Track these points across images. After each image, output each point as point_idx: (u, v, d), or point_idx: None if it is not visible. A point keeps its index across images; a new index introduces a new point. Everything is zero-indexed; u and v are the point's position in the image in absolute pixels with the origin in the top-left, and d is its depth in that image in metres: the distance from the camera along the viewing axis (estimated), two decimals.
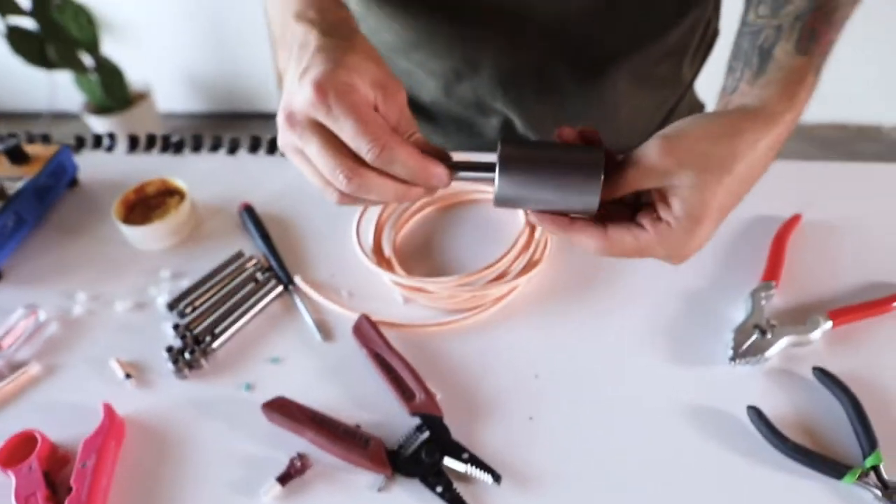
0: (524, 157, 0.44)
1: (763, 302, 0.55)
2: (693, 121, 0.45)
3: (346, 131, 0.41)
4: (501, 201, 0.45)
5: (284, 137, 0.43)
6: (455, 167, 0.45)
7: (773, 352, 0.52)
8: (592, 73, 0.73)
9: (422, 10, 0.70)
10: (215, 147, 0.80)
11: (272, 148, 0.79)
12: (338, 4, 0.48)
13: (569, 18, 0.67)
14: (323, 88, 0.40)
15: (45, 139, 0.83)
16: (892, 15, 2.05)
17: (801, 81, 0.47)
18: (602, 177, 0.43)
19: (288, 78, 0.44)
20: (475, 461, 0.48)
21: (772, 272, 0.58)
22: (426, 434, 0.49)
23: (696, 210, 0.42)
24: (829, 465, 0.45)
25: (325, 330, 0.59)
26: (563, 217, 0.46)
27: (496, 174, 0.44)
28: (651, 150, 0.43)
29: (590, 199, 0.44)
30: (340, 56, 0.42)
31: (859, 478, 0.44)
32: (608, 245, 0.45)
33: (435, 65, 0.74)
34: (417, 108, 0.82)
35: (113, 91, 2.22)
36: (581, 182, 0.44)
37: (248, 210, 0.70)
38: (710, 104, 0.90)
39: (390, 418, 0.51)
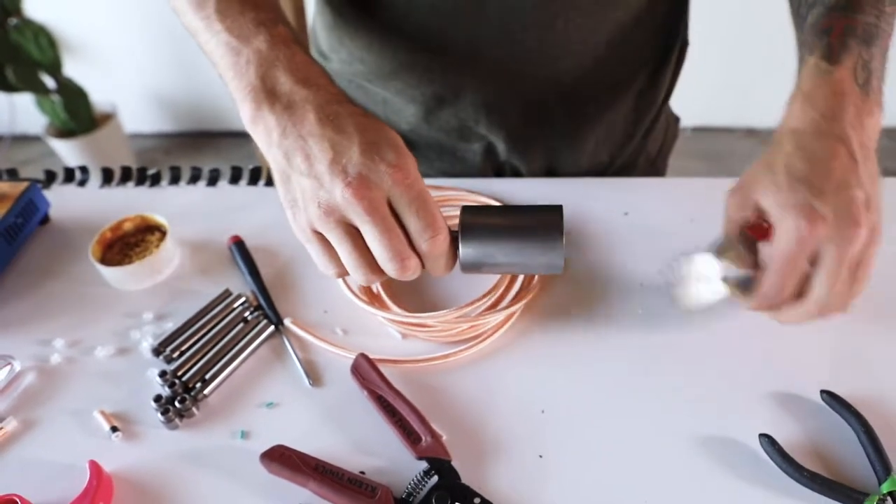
0: (485, 224, 0.46)
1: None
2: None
3: (416, 222, 0.43)
4: (468, 267, 0.46)
5: (337, 212, 0.42)
6: None
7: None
8: (574, 89, 0.73)
9: (399, 43, 0.69)
10: (194, 178, 0.77)
11: (254, 178, 0.77)
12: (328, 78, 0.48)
13: (549, 39, 0.67)
14: (408, 175, 0.42)
15: (12, 174, 0.80)
16: None
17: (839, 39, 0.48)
18: (563, 234, 0.44)
19: (324, 139, 0.43)
20: None
21: None
22: (435, 479, 0.47)
23: (796, 170, 0.44)
24: (847, 494, 0.45)
25: (317, 373, 0.56)
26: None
27: (459, 241, 0.45)
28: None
29: (554, 259, 0.45)
30: (387, 134, 0.44)
31: None
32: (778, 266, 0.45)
33: (415, 92, 0.73)
34: None
35: (77, 113, 2.15)
36: (543, 242, 0.44)
37: (238, 244, 0.67)
38: (685, 117, 0.91)
39: (396, 463, 0.50)
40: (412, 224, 0.43)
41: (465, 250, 0.45)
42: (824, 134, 0.46)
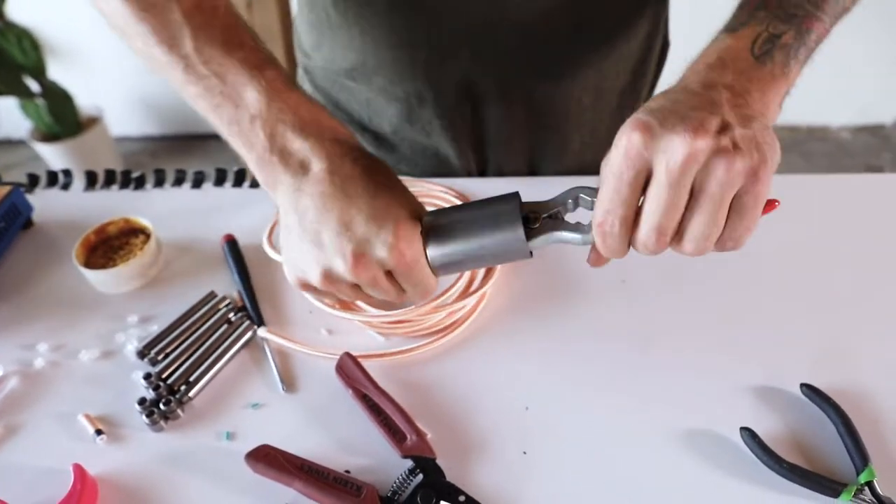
0: (446, 224, 0.46)
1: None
2: None
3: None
4: (439, 269, 0.47)
5: (338, 281, 0.46)
6: None
7: None
8: (558, 88, 0.73)
9: (380, 40, 0.69)
10: (179, 181, 0.77)
11: (239, 180, 0.76)
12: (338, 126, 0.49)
13: (532, 35, 0.67)
14: (404, 255, 0.44)
15: None
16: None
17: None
18: (521, 221, 0.44)
19: (335, 202, 0.45)
20: (472, 503, 0.46)
21: None
22: (420, 477, 0.48)
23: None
24: (825, 484, 0.45)
25: (294, 376, 0.56)
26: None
27: (426, 245, 0.46)
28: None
29: (518, 246, 0.45)
30: (394, 207, 0.45)
31: (854, 495, 0.45)
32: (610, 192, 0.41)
33: (396, 89, 0.73)
34: (379, 138, 0.80)
35: (62, 117, 2.13)
36: (504, 231, 0.45)
37: (231, 244, 0.67)
38: None
39: (381, 462, 0.50)
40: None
41: (433, 254, 0.46)
42: (692, 83, 0.43)
